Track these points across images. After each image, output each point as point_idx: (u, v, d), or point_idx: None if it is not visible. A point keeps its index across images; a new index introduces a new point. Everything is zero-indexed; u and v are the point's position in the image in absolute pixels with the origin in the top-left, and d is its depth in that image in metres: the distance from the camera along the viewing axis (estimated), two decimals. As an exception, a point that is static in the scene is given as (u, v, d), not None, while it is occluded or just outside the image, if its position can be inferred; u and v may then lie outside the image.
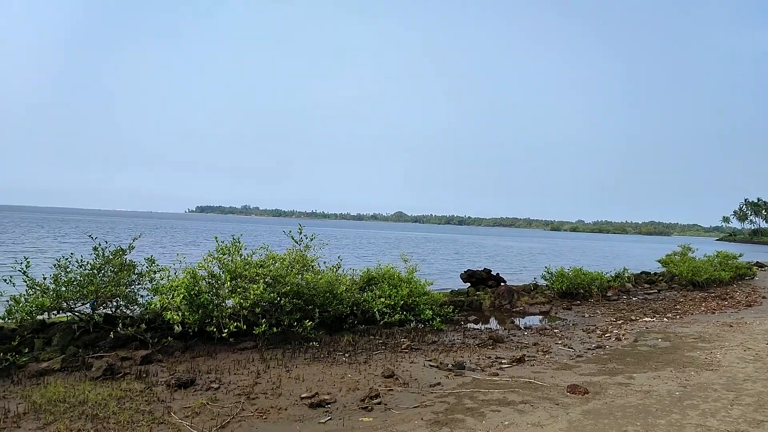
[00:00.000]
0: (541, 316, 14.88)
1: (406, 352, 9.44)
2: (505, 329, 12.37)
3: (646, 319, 14.19)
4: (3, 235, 44.14)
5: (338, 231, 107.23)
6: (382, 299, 11.64)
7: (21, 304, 8.53)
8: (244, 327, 9.01)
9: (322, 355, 8.95)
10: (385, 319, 11.46)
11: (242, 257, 10.19)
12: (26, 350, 8.13)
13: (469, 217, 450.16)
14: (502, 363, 8.85)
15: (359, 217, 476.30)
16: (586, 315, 15.00)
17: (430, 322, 11.93)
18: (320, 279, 10.56)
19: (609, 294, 19.03)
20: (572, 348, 10.40)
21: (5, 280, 8.90)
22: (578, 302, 17.37)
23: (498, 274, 18.15)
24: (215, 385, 7.07)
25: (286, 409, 6.31)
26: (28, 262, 9.10)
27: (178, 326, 9.12)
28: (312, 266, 11.12)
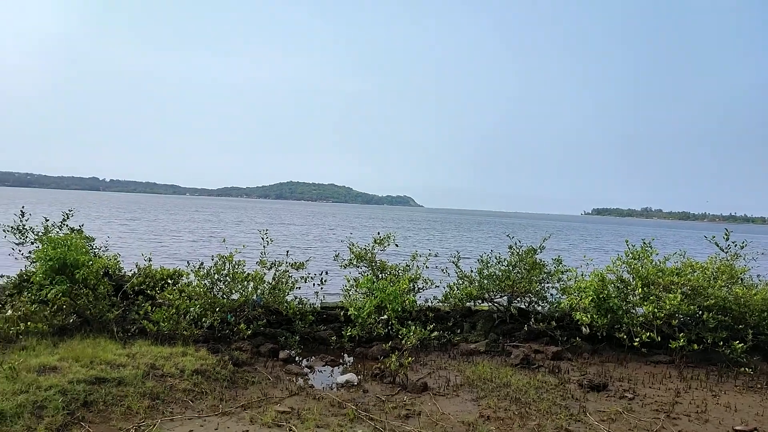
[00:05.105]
0: None
1: None
2: None
3: None
4: (440, 234, 53.73)
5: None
6: None
7: (454, 292, 10.19)
8: (658, 338, 8.36)
9: (758, 385, 7.50)
10: None
11: (653, 263, 9.49)
12: (458, 331, 9.62)
13: None
14: None
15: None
16: None
17: None
18: (754, 294, 8.85)
19: None
20: None
21: (442, 270, 10.76)
22: None
23: None
24: (629, 395, 6.79)
25: (716, 439, 5.55)
26: (459, 257, 10.75)
27: (585, 328, 9.20)
28: (741, 279, 9.46)
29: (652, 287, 8.91)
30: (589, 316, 8.81)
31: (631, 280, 9.34)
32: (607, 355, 8.76)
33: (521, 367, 7.90)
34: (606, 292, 9.04)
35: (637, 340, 8.30)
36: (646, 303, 8.62)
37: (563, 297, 9.84)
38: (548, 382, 7.14)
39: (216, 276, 8.67)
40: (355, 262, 10.15)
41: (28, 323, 7.24)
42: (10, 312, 7.57)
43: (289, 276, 9.25)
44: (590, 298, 8.84)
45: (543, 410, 6.06)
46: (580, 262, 10.88)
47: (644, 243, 9.76)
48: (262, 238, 9.50)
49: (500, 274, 10.15)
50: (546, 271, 10.23)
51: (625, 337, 8.57)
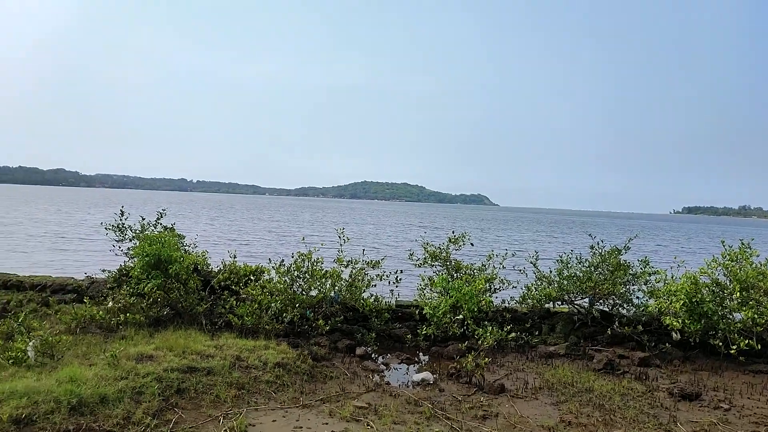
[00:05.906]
0: None
1: None
2: None
3: None
4: (512, 233, 52.63)
5: None
6: None
7: (532, 293, 9.93)
8: (758, 346, 7.75)
9: None
10: None
11: (753, 266, 8.78)
12: (536, 333, 9.36)
13: None
14: None
15: None
16: None
17: None
18: None
19: None
20: None
21: (519, 271, 10.50)
22: None
23: None
24: (725, 406, 6.34)
25: (828, 459, 5.06)
26: (537, 257, 10.46)
27: (676, 333, 8.67)
28: None
29: (752, 291, 8.26)
30: (680, 321, 8.30)
31: (728, 283, 8.69)
32: (700, 363, 8.22)
33: (604, 372, 7.58)
34: (699, 295, 8.48)
35: (735, 347, 7.74)
36: (744, 308, 8.02)
37: (650, 300, 9.33)
38: (635, 389, 6.80)
39: (296, 273, 8.96)
40: (429, 261, 10.14)
41: (128, 314, 7.83)
42: (111, 304, 8.22)
43: (365, 274, 9.39)
44: (682, 301, 8.32)
45: (629, 418, 5.78)
46: (669, 264, 10.26)
47: (742, 243, 9.05)
48: (339, 237, 9.71)
49: (581, 275, 9.76)
50: (631, 272, 9.72)
51: (720, 344, 8.02)
